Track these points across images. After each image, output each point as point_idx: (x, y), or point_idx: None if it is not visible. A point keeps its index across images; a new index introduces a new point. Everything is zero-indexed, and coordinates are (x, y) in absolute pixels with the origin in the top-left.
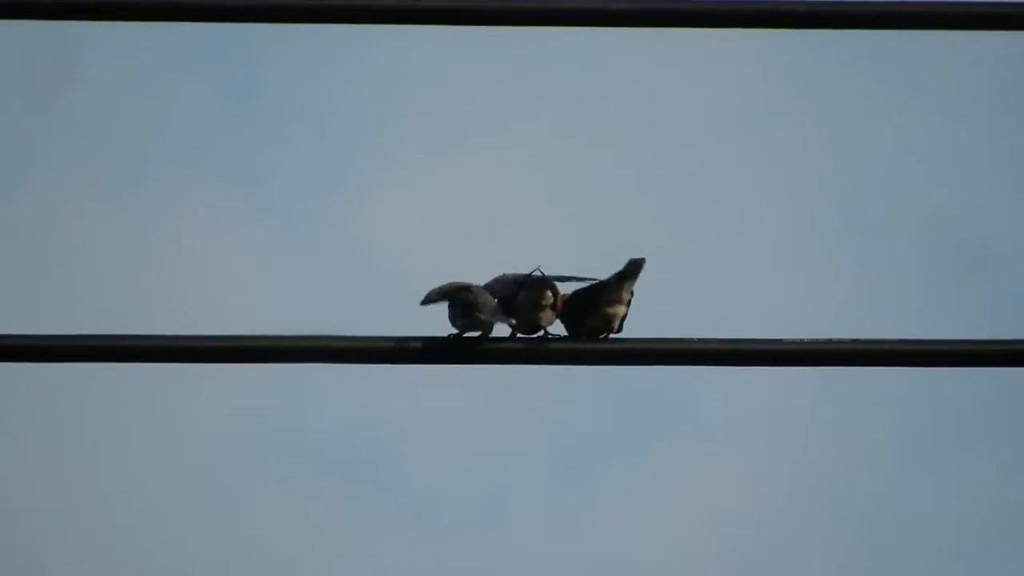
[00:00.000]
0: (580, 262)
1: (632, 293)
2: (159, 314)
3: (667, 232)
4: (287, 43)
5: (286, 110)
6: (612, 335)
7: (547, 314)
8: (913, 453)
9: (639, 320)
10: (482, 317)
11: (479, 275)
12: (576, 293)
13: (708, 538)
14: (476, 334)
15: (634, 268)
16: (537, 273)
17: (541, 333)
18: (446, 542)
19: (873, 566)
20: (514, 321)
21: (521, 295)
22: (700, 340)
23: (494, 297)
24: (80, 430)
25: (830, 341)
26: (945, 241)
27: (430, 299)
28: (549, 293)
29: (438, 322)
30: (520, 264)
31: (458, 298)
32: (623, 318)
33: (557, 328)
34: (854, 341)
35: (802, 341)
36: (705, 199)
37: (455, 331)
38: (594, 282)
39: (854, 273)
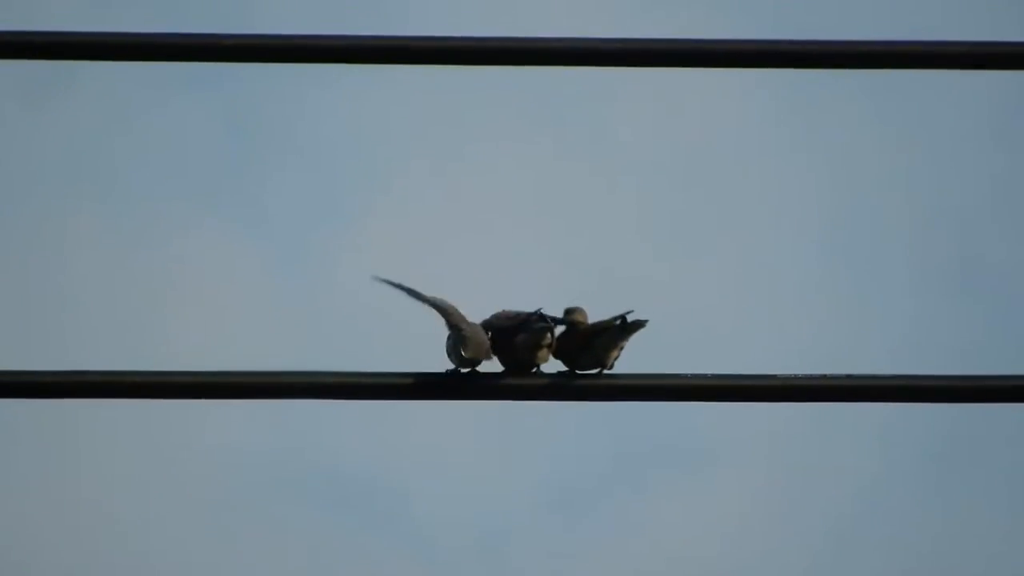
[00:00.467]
0: (580, 294)
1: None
2: (154, 348)
3: (664, 266)
4: (288, 72)
5: (286, 139)
6: (605, 371)
7: (543, 353)
8: (908, 484)
9: (635, 354)
10: (466, 355)
11: (479, 306)
12: (573, 330)
13: (705, 568)
14: (466, 370)
15: (635, 328)
16: (538, 316)
17: (534, 370)
18: (448, 574)
19: None
20: (494, 358)
21: (520, 336)
22: (694, 376)
23: (488, 331)
24: (80, 467)
25: (824, 377)
26: (942, 266)
27: (412, 294)
28: (549, 336)
29: (434, 358)
30: (519, 298)
31: (451, 331)
32: (615, 357)
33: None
34: (848, 376)
35: (795, 377)
36: (699, 233)
37: (452, 366)
38: (594, 324)
39: (852, 305)
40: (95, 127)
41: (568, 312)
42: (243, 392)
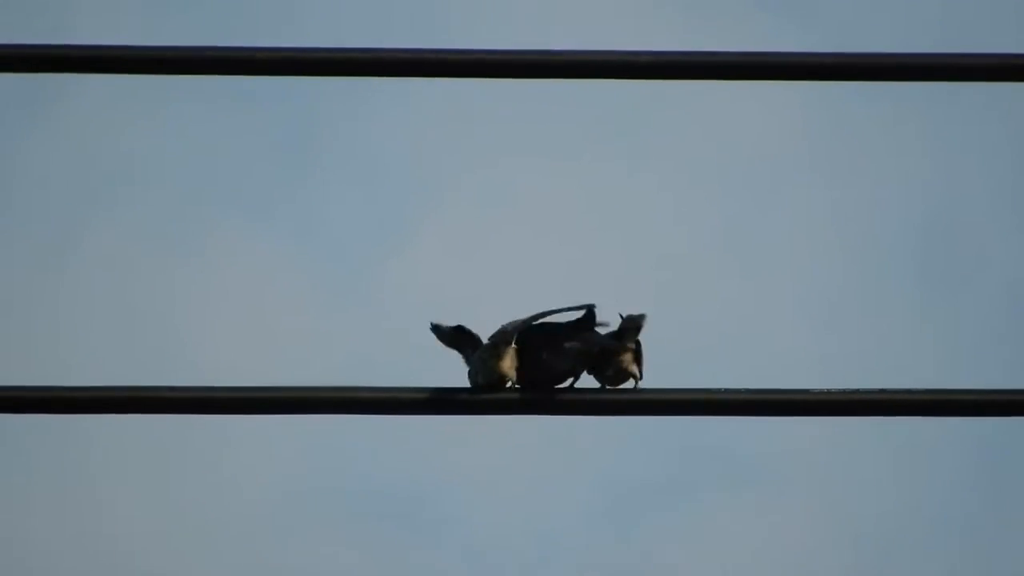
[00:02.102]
0: (619, 304)
1: (638, 343)
2: (190, 363)
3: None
4: (335, 84)
5: (334, 154)
6: (638, 384)
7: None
8: (953, 501)
9: (669, 367)
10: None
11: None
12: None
13: None
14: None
15: (631, 324)
16: (507, 327)
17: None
18: None
19: None
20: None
21: (571, 344)
22: (726, 391)
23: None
24: (113, 485)
25: (857, 391)
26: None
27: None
28: (502, 348)
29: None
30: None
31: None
32: (639, 364)
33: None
34: (881, 391)
35: (828, 391)
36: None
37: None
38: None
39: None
40: (146, 138)
41: (630, 319)
42: (275, 407)
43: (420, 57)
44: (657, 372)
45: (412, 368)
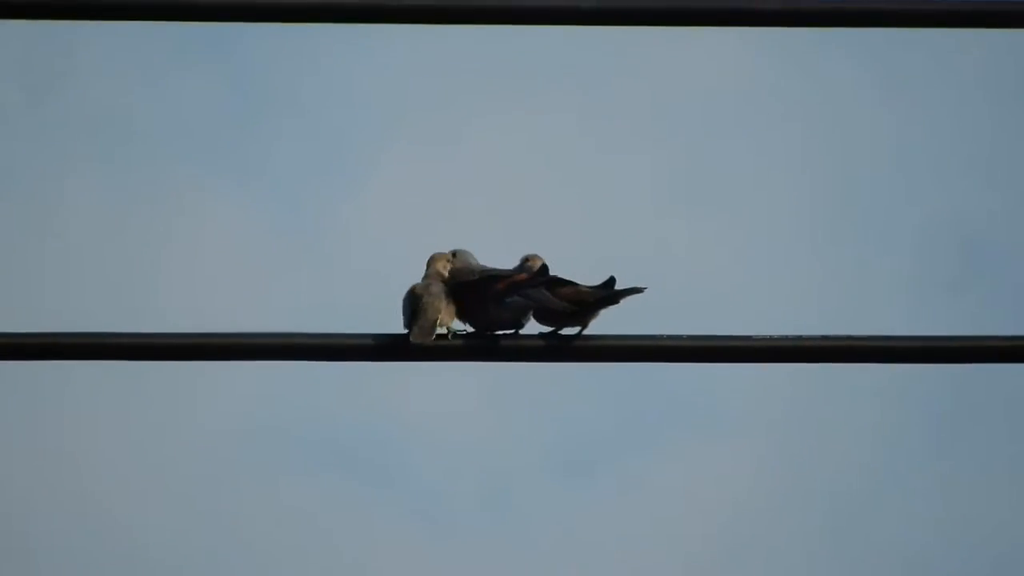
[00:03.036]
0: (577, 260)
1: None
2: (149, 308)
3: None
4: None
5: (285, 100)
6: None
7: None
8: (900, 448)
9: (623, 315)
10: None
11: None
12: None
13: (707, 531)
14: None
15: (627, 295)
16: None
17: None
18: (454, 539)
19: (859, 560)
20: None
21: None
22: (670, 337)
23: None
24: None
25: (799, 338)
26: (943, 245)
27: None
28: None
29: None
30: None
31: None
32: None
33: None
34: (824, 337)
35: (771, 338)
36: (699, 195)
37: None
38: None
39: (850, 272)
40: (104, 91)
41: (526, 259)
42: (221, 354)
43: (374, 4)
44: (608, 320)
45: (367, 314)
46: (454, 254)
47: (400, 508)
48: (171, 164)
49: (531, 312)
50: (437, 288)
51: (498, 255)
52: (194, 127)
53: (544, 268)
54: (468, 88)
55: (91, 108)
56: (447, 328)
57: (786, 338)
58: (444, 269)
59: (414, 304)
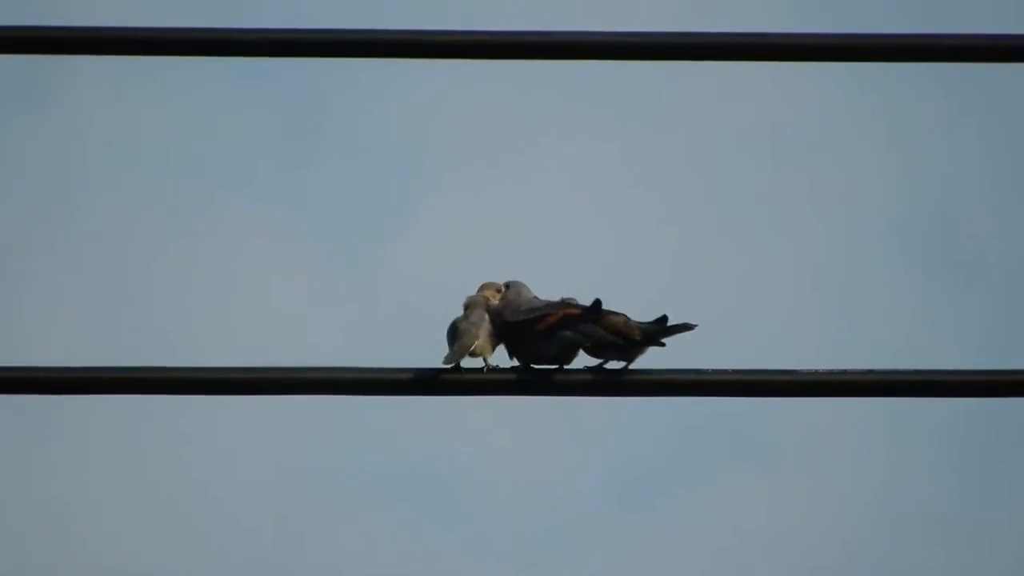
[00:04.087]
0: (614, 287)
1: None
2: (189, 342)
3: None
4: (334, 65)
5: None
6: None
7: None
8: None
9: (672, 348)
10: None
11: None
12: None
13: (768, 561)
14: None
15: (676, 332)
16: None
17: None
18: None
19: None
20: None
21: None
22: (715, 371)
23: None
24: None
25: (844, 372)
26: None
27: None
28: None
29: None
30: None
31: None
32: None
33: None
34: (868, 372)
35: (816, 372)
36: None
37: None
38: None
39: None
40: (152, 118)
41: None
42: (258, 388)
43: (421, 38)
44: (657, 354)
45: (410, 348)
46: (507, 286)
47: (456, 543)
48: (218, 195)
49: (581, 348)
50: (477, 316)
51: (548, 285)
52: (241, 159)
53: (597, 303)
54: (520, 121)
55: (140, 139)
56: (484, 360)
57: (831, 372)
58: (493, 298)
59: (453, 332)
